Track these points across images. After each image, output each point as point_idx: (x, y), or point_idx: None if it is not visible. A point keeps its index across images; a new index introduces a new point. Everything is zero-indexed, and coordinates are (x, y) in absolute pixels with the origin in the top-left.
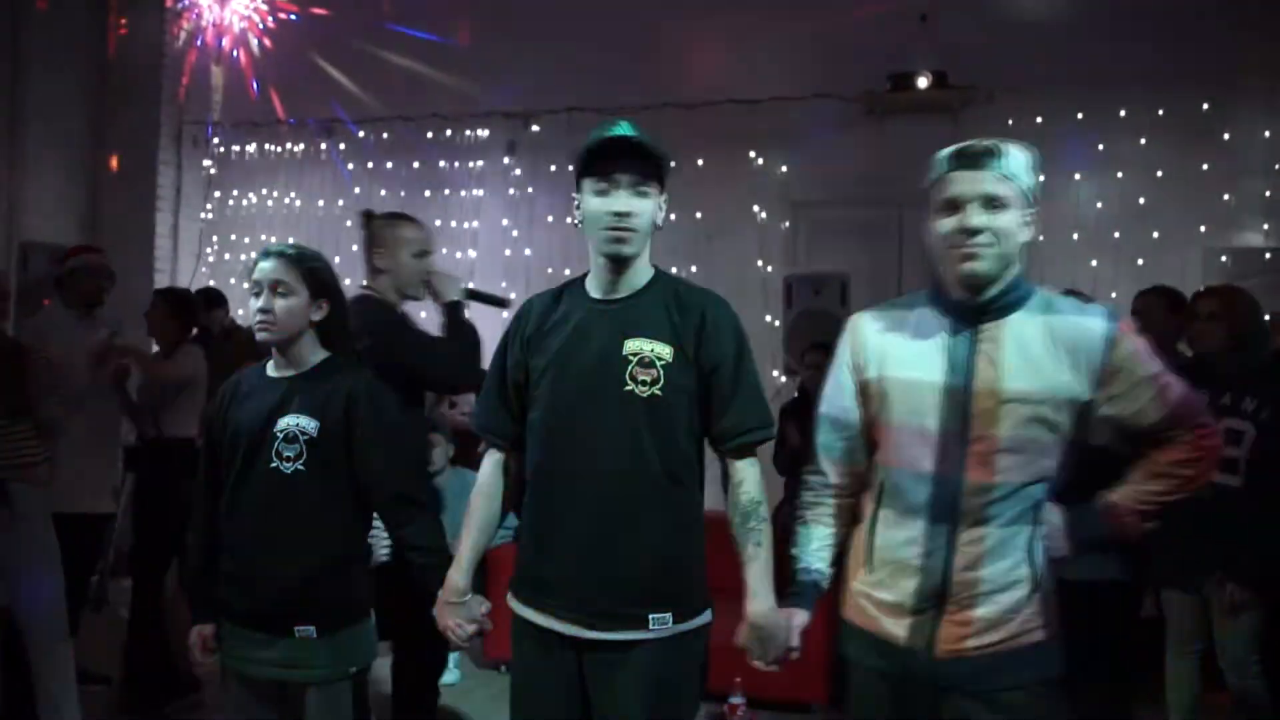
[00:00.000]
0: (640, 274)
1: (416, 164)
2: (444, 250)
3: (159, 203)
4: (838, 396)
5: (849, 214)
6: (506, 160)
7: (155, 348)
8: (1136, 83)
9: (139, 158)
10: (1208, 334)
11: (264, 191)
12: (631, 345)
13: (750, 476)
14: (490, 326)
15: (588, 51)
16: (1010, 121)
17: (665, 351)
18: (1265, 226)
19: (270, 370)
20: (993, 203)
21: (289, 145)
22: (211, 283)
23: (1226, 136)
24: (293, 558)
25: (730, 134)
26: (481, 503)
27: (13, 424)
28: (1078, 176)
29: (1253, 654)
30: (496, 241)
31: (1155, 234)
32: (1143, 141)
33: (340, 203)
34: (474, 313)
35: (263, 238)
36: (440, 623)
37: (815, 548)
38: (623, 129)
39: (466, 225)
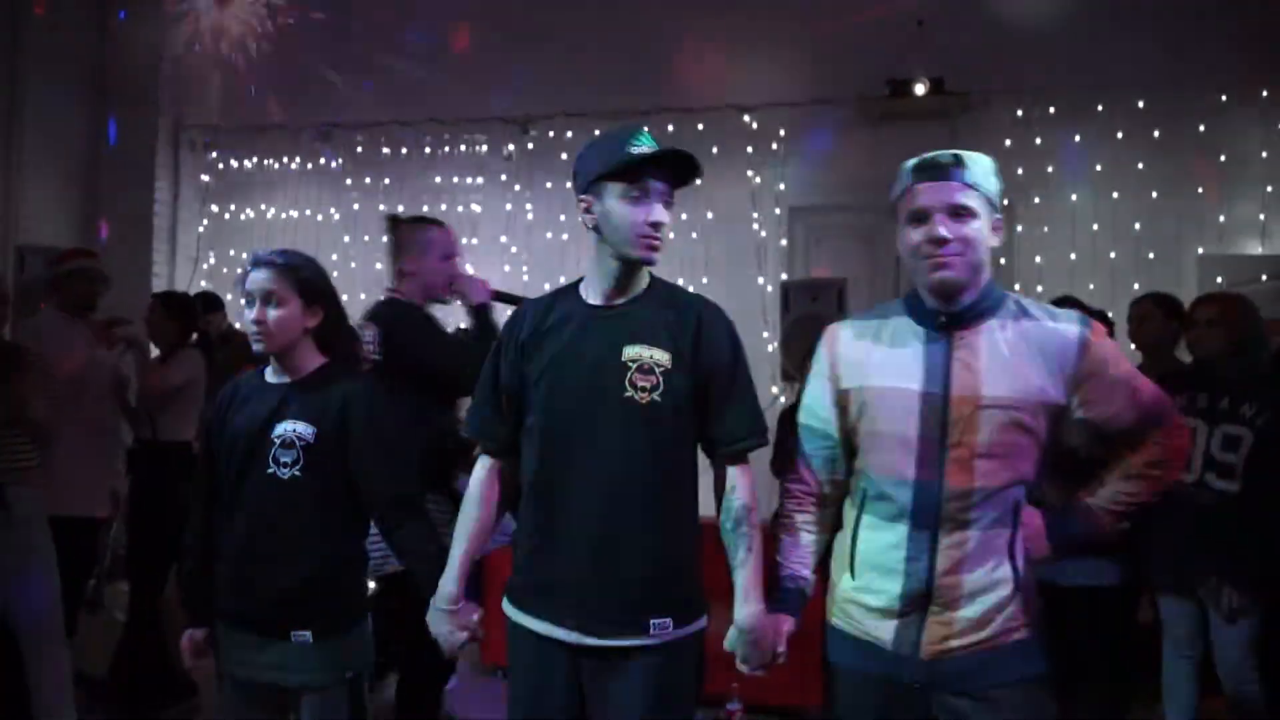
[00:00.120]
0: (640, 280)
1: (413, 168)
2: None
3: (156, 206)
4: (816, 406)
5: (846, 220)
6: (505, 161)
7: (154, 351)
8: (1133, 88)
9: (136, 161)
10: (1207, 339)
11: (261, 194)
12: (630, 351)
13: (743, 483)
14: None
15: (586, 57)
16: (1006, 127)
17: (663, 358)
18: (1263, 224)
19: (268, 375)
20: (959, 212)
21: (286, 149)
22: (204, 284)
23: (1224, 141)
24: (289, 563)
25: (728, 139)
26: (474, 509)
27: (8, 428)
28: (1074, 178)
29: (1249, 659)
30: (494, 244)
31: (1149, 241)
32: (1139, 145)
33: (334, 209)
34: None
35: (261, 234)
36: (432, 630)
37: (799, 554)
38: (647, 139)
39: (461, 209)
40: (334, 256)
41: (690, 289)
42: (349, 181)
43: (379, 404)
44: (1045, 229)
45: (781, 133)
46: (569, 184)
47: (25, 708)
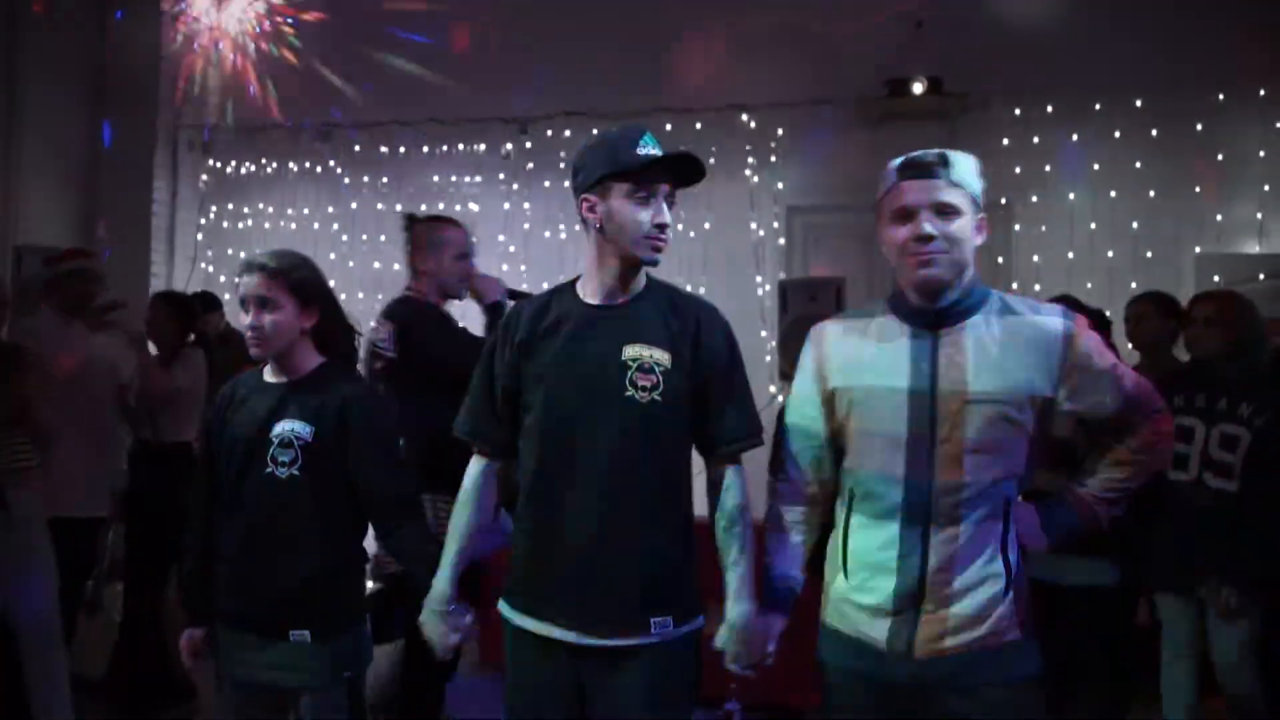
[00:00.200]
0: (638, 280)
1: (412, 168)
2: None
3: (155, 206)
4: (803, 406)
5: (844, 220)
6: (504, 161)
7: (153, 351)
8: (1131, 88)
9: (135, 161)
10: (1205, 338)
11: (259, 194)
12: (631, 351)
13: (737, 483)
14: None
15: (585, 57)
16: (1005, 127)
17: (664, 358)
18: (1261, 222)
19: (266, 375)
20: (944, 210)
21: (284, 148)
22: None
23: (1221, 141)
24: (288, 563)
25: (726, 139)
26: (467, 510)
27: (8, 428)
28: (1072, 178)
29: (1248, 659)
30: (492, 243)
31: (1147, 240)
32: (1137, 145)
33: (332, 209)
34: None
35: (259, 234)
36: (425, 631)
37: (788, 554)
38: (653, 141)
39: (459, 208)
40: (332, 256)
41: (688, 288)
42: (347, 181)
43: (377, 404)
44: (1043, 228)
45: (780, 133)
46: (568, 183)
47: (24, 709)
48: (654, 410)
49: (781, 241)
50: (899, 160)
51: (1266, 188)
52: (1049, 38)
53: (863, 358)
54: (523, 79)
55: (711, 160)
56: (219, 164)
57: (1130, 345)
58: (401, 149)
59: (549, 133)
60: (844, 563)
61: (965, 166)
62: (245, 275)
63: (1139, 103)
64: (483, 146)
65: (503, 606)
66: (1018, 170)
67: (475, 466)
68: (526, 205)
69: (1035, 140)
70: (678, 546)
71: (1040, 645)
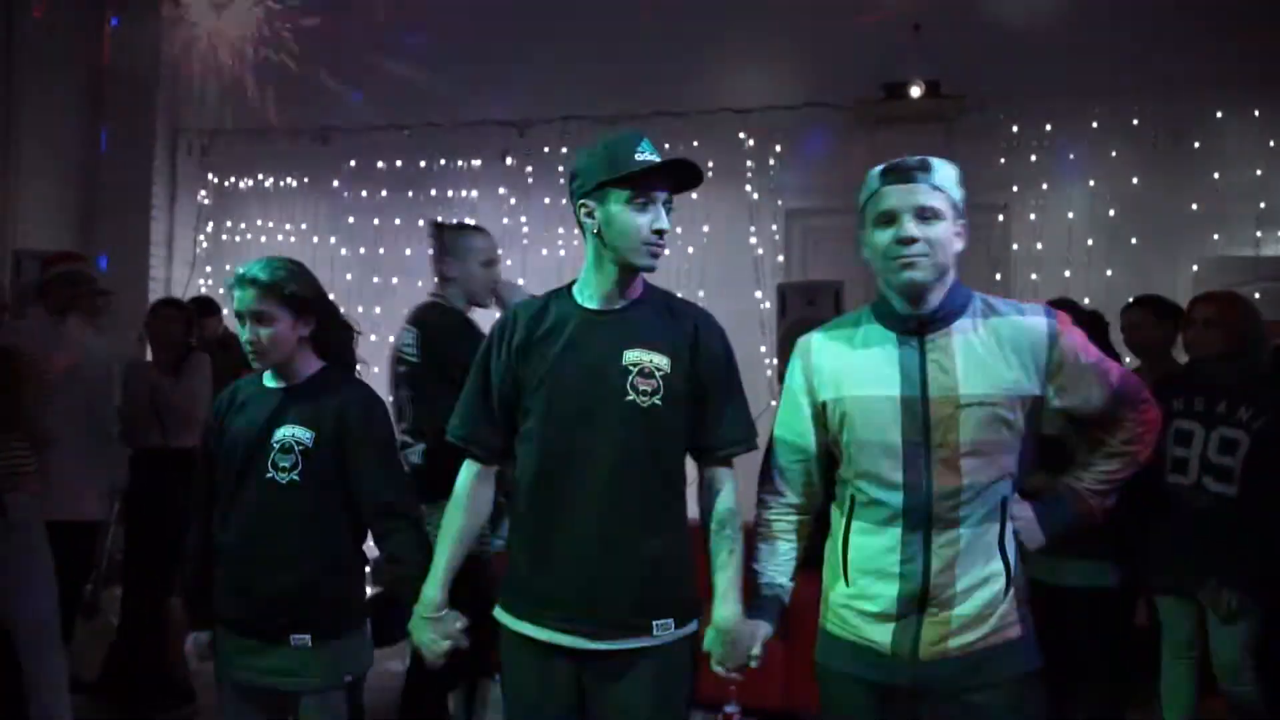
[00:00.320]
0: (635, 285)
1: (411, 172)
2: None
3: (154, 211)
4: (793, 420)
5: (843, 223)
6: (502, 164)
7: (149, 354)
8: (1128, 90)
9: (134, 166)
10: (1205, 340)
11: (258, 208)
12: (631, 356)
13: (729, 487)
14: None
15: (582, 61)
16: (1002, 130)
17: (663, 362)
18: (1260, 224)
19: (266, 380)
20: (925, 214)
21: (283, 154)
22: (202, 287)
23: (1220, 143)
24: (288, 567)
25: (724, 143)
26: (460, 515)
27: (5, 432)
28: (1070, 180)
29: (1247, 660)
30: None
31: (1146, 243)
32: (1135, 147)
33: (331, 221)
34: None
35: (258, 248)
36: (415, 639)
37: (777, 562)
38: (650, 148)
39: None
40: (331, 269)
41: (685, 291)
42: (346, 195)
43: (375, 408)
44: (1040, 230)
45: (778, 136)
46: (564, 200)
47: (23, 712)
48: (655, 413)
49: (781, 259)
50: (881, 166)
51: (1263, 185)
52: (1046, 41)
53: (851, 368)
54: (521, 83)
55: (710, 165)
56: (217, 178)
57: (1127, 357)
58: (398, 162)
59: (547, 136)
60: (844, 569)
61: (946, 172)
62: (238, 289)
63: (1136, 105)
64: (479, 162)
65: (500, 613)
66: (1015, 172)
67: (468, 471)
68: (524, 219)
69: (1033, 143)
70: (678, 548)
71: (1040, 646)
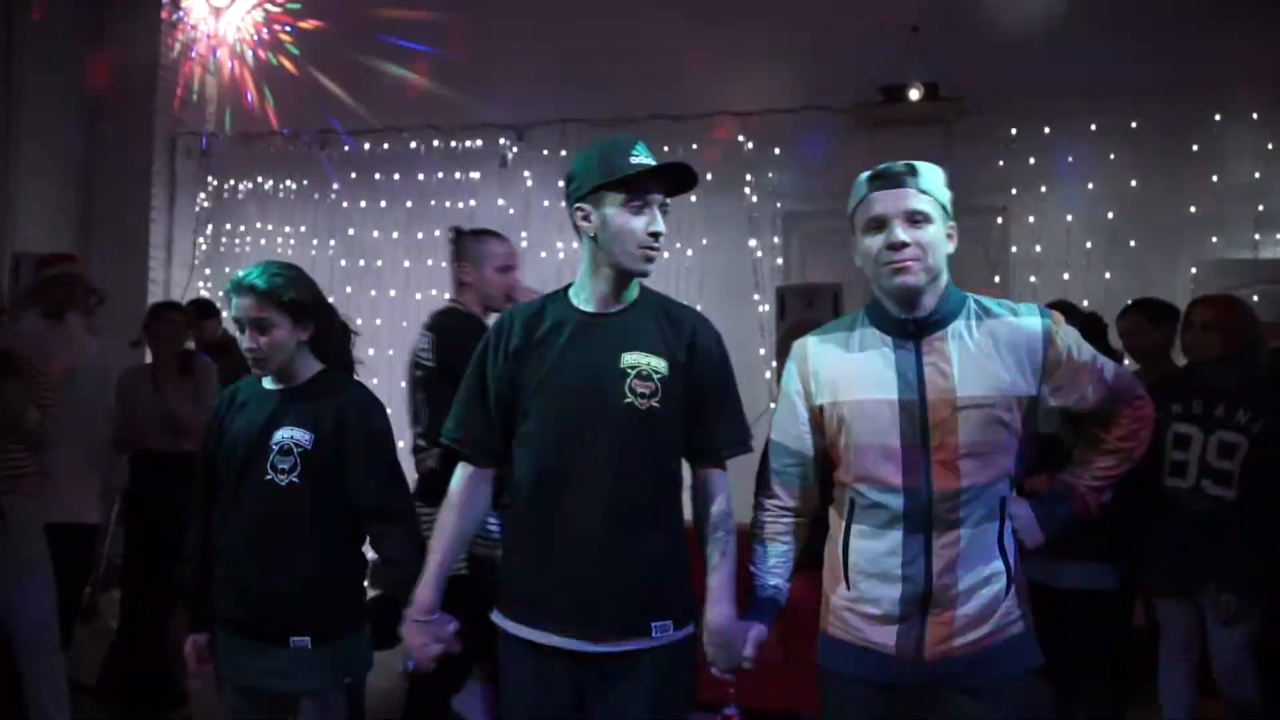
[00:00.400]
0: (632, 288)
1: (409, 175)
2: (444, 264)
3: (153, 213)
4: (790, 424)
5: (842, 226)
6: (501, 167)
7: (149, 357)
8: (1127, 92)
9: (133, 168)
10: (1203, 343)
11: (257, 215)
12: (629, 358)
13: (724, 489)
14: None
15: (581, 63)
16: (1001, 132)
17: (661, 365)
18: (1258, 227)
19: (265, 381)
20: (914, 218)
21: (282, 158)
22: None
23: (1217, 146)
24: (288, 569)
25: (722, 146)
26: (454, 517)
27: (3, 435)
28: (1068, 182)
29: (1246, 662)
30: None
31: (1145, 246)
32: (1133, 149)
33: (330, 231)
34: None
35: (257, 255)
36: (405, 642)
37: (772, 564)
38: (645, 151)
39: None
40: (330, 279)
41: (684, 294)
42: (344, 205)
43: (373, 410)
44: (1039, 232)
45: (776, 139)
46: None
47: (22, 715)
48: (653, 416)
49: (779, 261)
50: (868, 173)
51: (1261, 185)
52: (1045, 43)
53: (848, 372)
54: (519, 86)
55: (708, 167)
56: (216, 180)
57: (1126, 359)
58: (396, 175)
59: (546, 139)
60: (844, 573)
61: (933, 176)
62: (236, 296)
63: (1135, 107)
64: (477, 175)
65: (498, 617)
66: (1014, 175)
67: (462, 473)
68: (524, 235)
69: (1031, 145)
70: (676, 550)
71: (1041, 648)
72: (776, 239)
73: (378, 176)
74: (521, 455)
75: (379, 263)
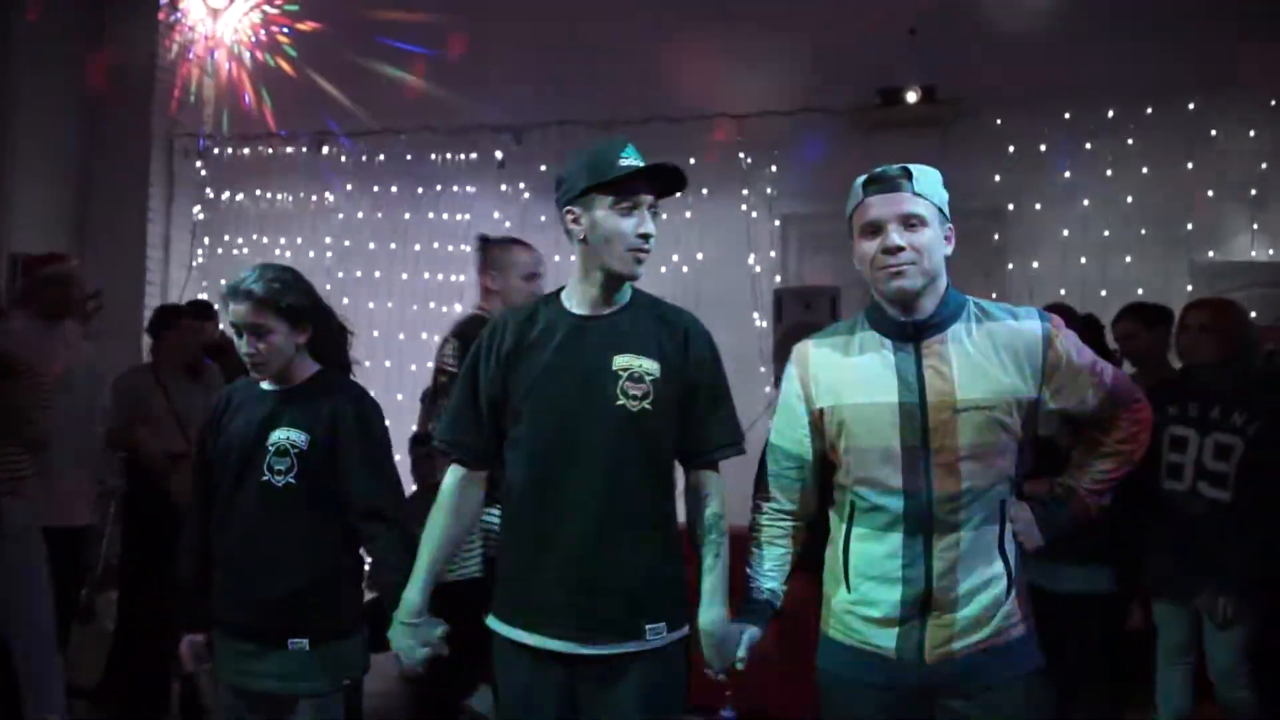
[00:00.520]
0: (624, 291)
1: (407, 176)
2: (440, 276)
3: (150, 215)
4: (790, 428)
5: (839, 228)
6: (498, 170)
7: (147, 357)
8: (1124, 96)
9: (130, 169)
10: (1199, 346)
11: (254, 205)
12: (621, 361)
13: (717, 490)
14: None
15: (579, 66)
16: (998, 135)
17: (653, 367)
18: (1254, 230)
19: (262, 382)
20: (910, 221)
21: (280, 157)
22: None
23: (1214, 149)
24: (285, 570)
25: (720, 148)
26: (445, 519)
27: (2, 438)
28: (1065, 185)
29: (1242, 664)
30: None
31: (1142, 247)
32: (1130, 152)
33: (328, 239)
34: None
35: (258, 241)
36: (393, 645)
37: (768, 567)
38: (634, 153)
39: (451, 248)
40: (328, 287)
41: (680, 296)
42: (341, 216)
43: (369, 411)
44: (1036, 235)
45: (774, 142)
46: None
47: (18, 718)
48: (645, 418)
49: (777, 263)
50: (864, 177)
51: (1255, 192)
52: (1042, 46)
53: (848, 375)
54: (516, 87)
55: (705, 170)
56: (214, 182)
57: (1123, 363)
58: (394, 187)
59: (543, 141)
60: (845, 575)
61: (929, 179)
62: (233, 303)
63: (1132, 110)
64: (474, 188)
65: (492, 620)
66: (1011, 177)
67: (453, 476)
68: (522, 208)
69: (1028, 148)
70: (669, 552)
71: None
72: (774, 242)
73: (375, 188)
74: (514, 458)
75: (376, 274)
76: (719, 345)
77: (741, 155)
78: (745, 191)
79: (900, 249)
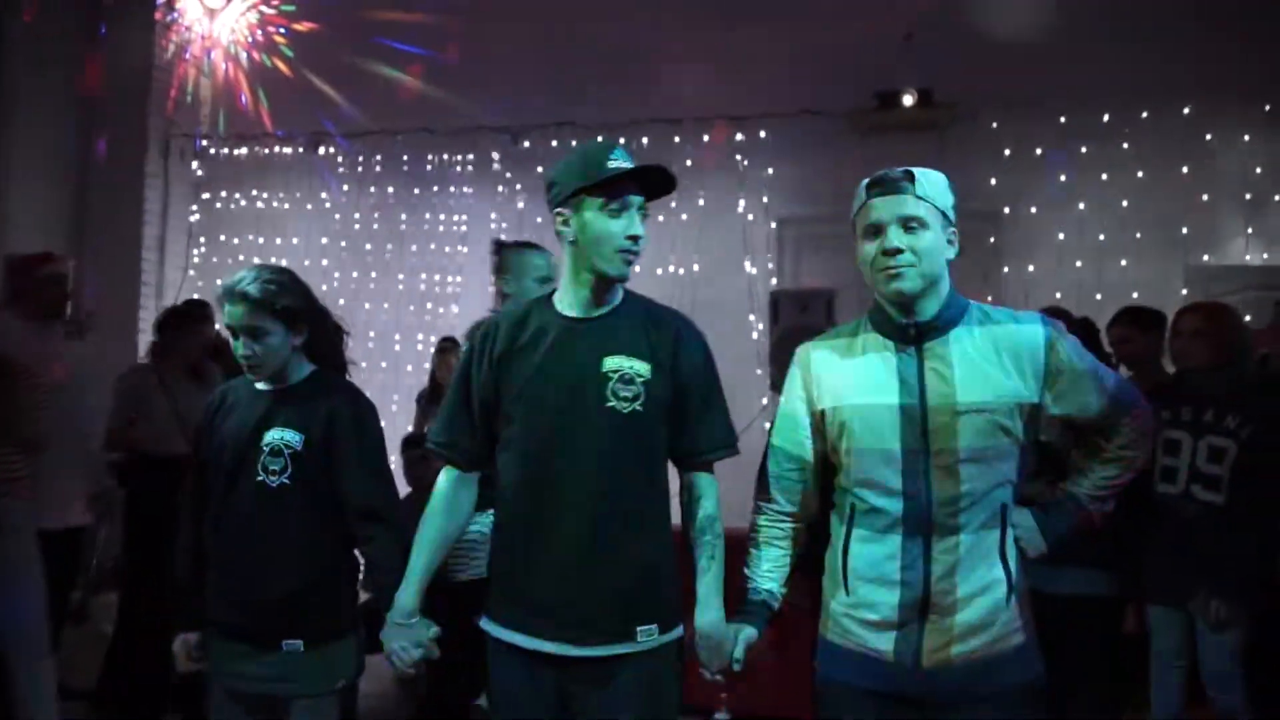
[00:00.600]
0: (615, 292)
1: (404, 177)
2: (437, 278)
3: (146, 215)
4: (791, 430)
5: (835, 230)
6: (495, 171)
7: (144, 357)
8: (1119, 100)
9: (126, 170)
10: (1192, 350)
11: (251, 205)
12: (611, 362)
13: (711, 492)
14: None
15: (576, 67)
16: (994, 138)
17: (644, 369)
18: (1248, 234)
19: (257, 383)
20: (911, 224)
21: (277, 158)
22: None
23: (1209, 153)
24: (280, 571)
25: (717, 150)
26: (438, 521)
27: (2, 439)
28: (1061, 188)
29: (1236, 668)
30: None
31: (1137, 250)
32: (1127, 156)
33: (325, 240)
34: None
35: (254, 243)
36: (385, 646)
37: (766, 569)
38: (623, 155)
39: (449, 249)
40: (324, 289)
41: (676, 297)
42: (338, 217)
43: (364, 412)
44: (1032, 238)
45: (771, 144)
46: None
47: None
48: (636, 420)
49: (773, 266)
50: (868, 179)
51: (1250, 195)
52: (1039, 49)
53: (850, 377)
54: (514, 89)
55: (701, 172)
56: (210, 183)
57: (1120, 367)
58: (391, 189)
59: (540, 143)
60: (844, 578)
61: (932, 182)
62: (229, 304)
63: (1128, 114)
64: (471, 190)
65: (485, 622)
66: (1007, 181)
67: (446, 478)
68: (519, 209)
69: (1024, 151)
70: (661, 554)
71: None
72: (770, 243)
73: (372, 190)
74: (506, 460)
75: (373, 275)
76: (715, 347)
77: (738, 158)
78: (742, 194)
79: (899, 250)
